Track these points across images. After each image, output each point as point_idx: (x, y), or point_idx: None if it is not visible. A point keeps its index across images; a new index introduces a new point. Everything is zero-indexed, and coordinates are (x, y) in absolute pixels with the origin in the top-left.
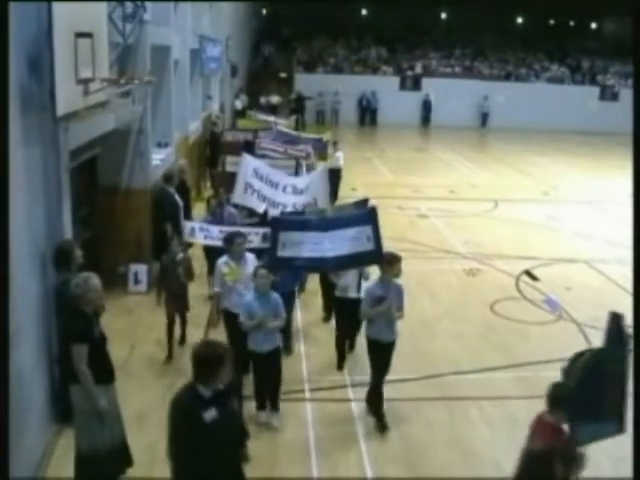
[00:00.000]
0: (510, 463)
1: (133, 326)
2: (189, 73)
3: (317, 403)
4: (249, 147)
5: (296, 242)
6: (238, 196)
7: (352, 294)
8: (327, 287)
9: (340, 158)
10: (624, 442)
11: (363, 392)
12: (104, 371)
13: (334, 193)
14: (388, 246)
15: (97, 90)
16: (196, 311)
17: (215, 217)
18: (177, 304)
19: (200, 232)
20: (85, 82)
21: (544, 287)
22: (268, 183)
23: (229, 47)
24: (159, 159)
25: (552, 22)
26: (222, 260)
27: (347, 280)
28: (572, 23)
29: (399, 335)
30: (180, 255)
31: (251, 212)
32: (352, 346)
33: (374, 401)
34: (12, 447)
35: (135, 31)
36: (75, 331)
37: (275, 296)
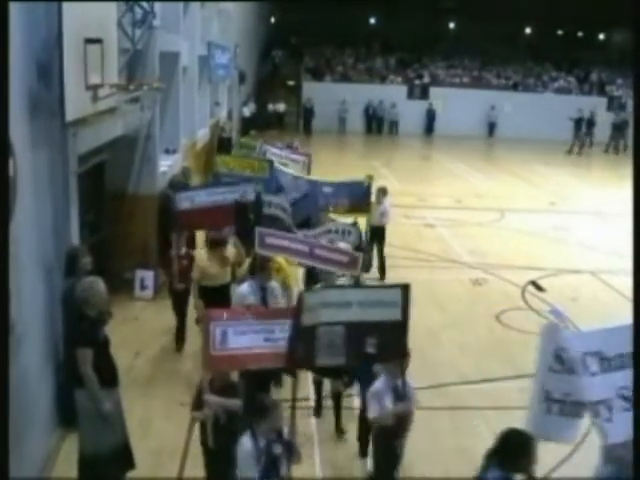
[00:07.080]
0: None
1: (138, 332)
2: (197, 80)
3: (322, 410)
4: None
5: None
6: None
7: None
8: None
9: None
10: None
11: None
12: (108, 374)
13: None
14: (395, 255)
15: (106, 96)
16: None
17: None
18: None
19: None
20: (94, 88)
21: (550, 297)
22: None
23: (238, 54)
24: (167, 165)
25: (560, 32)
26: None
27: None
28: (580, 34)
29: None
30: None
31: None
32: None
33: None
34: (16, 450)
35: (144, 37)
36: (80, 335)
37: None
